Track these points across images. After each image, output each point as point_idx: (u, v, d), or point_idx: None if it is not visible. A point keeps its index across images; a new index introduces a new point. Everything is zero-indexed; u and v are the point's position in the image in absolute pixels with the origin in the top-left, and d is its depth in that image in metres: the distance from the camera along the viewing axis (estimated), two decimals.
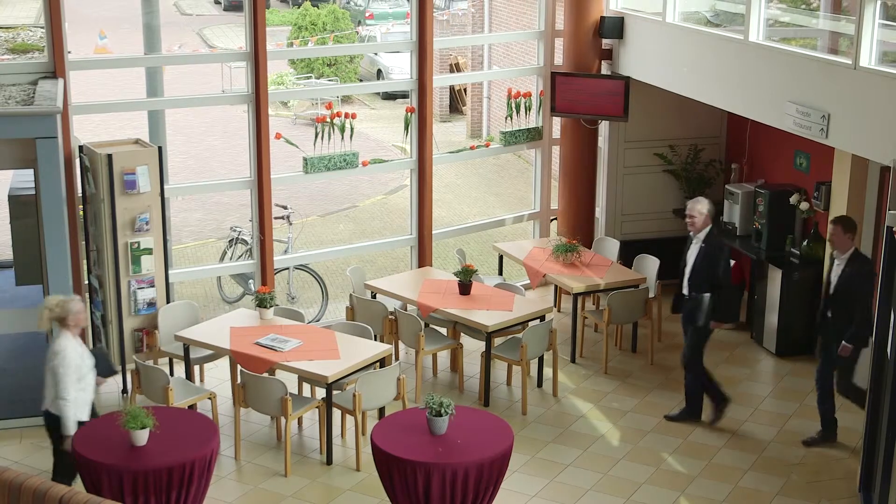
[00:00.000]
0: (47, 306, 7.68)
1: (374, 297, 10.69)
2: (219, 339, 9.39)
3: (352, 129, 11.23)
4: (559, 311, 11.98)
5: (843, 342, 8.80)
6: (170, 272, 10.17)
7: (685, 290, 9.47)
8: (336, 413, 9.15)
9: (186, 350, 9.61)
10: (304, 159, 11.14)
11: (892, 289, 7.45)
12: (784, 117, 9.26)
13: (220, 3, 38.01)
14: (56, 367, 7.56)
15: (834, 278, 8.92)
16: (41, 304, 7.82)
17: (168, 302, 10.09)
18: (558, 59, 12.45)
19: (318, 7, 25.07)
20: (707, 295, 9.31)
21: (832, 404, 9.22)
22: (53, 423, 7.68)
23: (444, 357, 10.78)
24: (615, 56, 12.04)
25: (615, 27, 11.79)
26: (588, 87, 11.88)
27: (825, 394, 9.19)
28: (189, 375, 9.69)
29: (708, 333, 9.50)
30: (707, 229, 9.35)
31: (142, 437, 7.33)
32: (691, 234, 9.42)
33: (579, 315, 10.88)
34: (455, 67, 23.00)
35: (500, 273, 12.12)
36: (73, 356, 7.60)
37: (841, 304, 8.87)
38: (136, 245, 9.76)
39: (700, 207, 9.30)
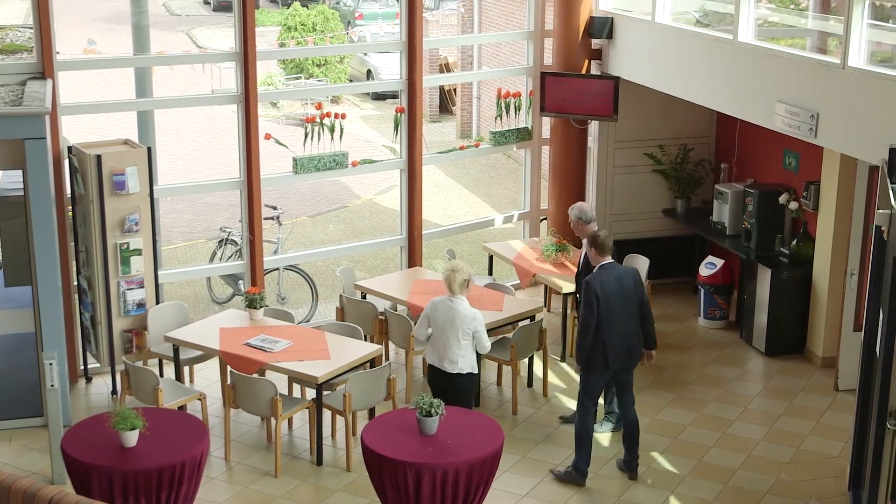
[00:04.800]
0: (456, 269, 8.27)
1: (364, 297, 10.68)
2: (208, 340, 9.37)
3: (341, 129, 11.22)
4: (549, 310, 11.98)
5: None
6: (159, 273, 10.15)
7: None
8: (326, 413, 9.14)
9: (176, 351, 9.59)
10: (294, 160, 11.13)
11: (881, 288, 7.47)
12: (773, 117, 9.28)
13: (209, 3, 37.94)
14: (478, 327, 8.32)
15: None
16: (450, 269, 8.27)
17: (157, 303, 10.07)
18: (548, 59, 12.45)
19: (307, 7, 25.04)
20: None
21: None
22: (467, 383, 8.44)
23: None
24: (604, 56, 12.05)
25: (604, 27, 11.80)
26: (577, 87, 11.88)
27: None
28: (179, 376, 9.67)
29: None
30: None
31: (131, 438, 7.31)
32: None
33: (569, 315, 10.86)
34: (445, 68, 23.00)
35: (490, 273, 12.13)
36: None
37: None
38: (126, 246, 9.74)
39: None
